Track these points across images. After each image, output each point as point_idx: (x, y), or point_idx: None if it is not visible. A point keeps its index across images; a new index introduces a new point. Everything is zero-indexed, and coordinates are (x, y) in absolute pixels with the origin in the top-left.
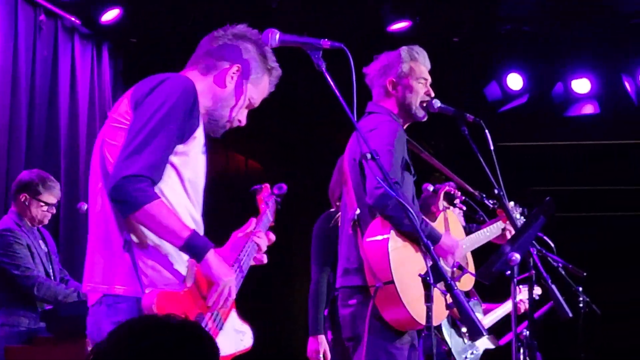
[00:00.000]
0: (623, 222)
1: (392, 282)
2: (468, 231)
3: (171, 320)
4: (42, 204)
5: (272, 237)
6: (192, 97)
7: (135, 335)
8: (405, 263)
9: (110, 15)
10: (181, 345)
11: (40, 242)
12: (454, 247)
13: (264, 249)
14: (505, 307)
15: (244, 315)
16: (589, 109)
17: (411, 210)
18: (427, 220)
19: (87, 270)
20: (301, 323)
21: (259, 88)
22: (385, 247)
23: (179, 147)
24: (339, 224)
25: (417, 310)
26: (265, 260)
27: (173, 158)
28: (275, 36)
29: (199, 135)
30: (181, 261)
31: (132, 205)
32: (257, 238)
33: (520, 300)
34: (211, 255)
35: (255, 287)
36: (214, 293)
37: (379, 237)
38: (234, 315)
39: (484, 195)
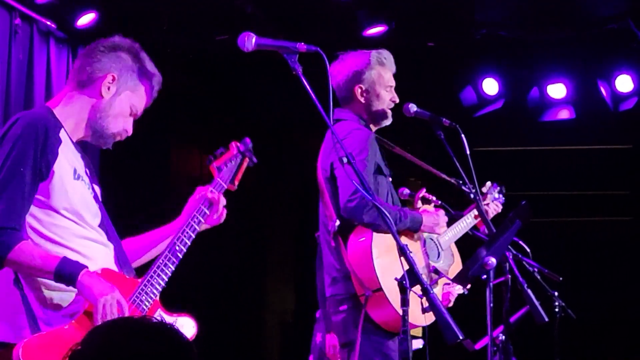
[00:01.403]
0: (599, 227)
1: (381, 289)
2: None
3: (146, 322)
4: None
5: (223, 200)
6: (41, 133)
7: (108, 338)
8: (391, 267)
9: (86, 19)
10: (154, 347)
11: None
12: (437, 218)
13: (220, 206)
14: None
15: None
16: (564, 114)
17: (387, 213)
18: (406, 209)
19: None
20: (273, 329)
21: (139, 95)
22: (370, 256)
23: (41, 185)
24: (320, 234)
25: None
26: (222, 219)
27: (38, 197)
28: (251, 40)
29: (59, 167)
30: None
31: None
32: (208, 195)
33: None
34: (84, 278)
35: (227, 288)
36: (96, 315)
37: (362, 247)
38: (159, 315)
39: (461, 182)
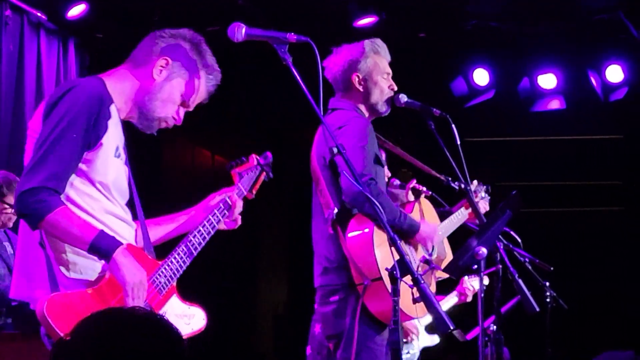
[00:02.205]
0: (590, 217)
1: (380, 278)
2: (441, 216)
3: (135, 312)
4: (7, 206)
5: (241, 206)
6: (96, 103)
7: (97, 329)
8: (391, 257)
9: (77, 10)
10: (143, 337)
11: (6, 243)
12: (433, 233)
13: (237, 211)
14: (450, 301)
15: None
16: (555, 104)
17: (376, 202)
18: (405, 212)
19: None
20: (266, 321)
21: (192, 85)
22: (371, 244)
23: (87, 155)
24: (312, 224)
25: (404, 302)
26: (237, 224)
27: (82, 165)
28: (241, 30)
29: (108, 141)
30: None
31: (35, 218)
32: (231, 197)
33: (466, 288)
34: (119, 255)
35: (219, 280)
36: (126, 298)
37: (362, 234)
38: (174, 300)
39: (450, 179)
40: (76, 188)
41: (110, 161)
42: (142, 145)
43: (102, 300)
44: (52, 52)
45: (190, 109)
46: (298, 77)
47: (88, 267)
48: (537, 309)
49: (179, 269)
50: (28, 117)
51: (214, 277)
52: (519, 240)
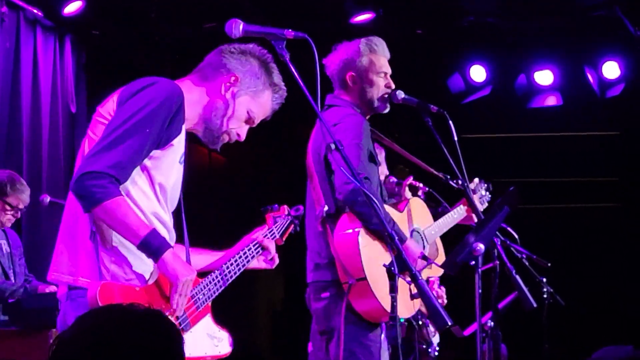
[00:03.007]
0: (587, 213)
1: (365, 278)
2: (435, 215)
3: (135, 308)
4: (7, 206)
5: (274, 247)
6: (175, 104)
7: (97, 325)
8: (376, 257)
9: (73, 7)
10: (142, 333)
11: (2, 242)
12: (415, 254)
13: (273, 251)
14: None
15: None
16: (551, 100)
17: (374, 199)
18: (394, 220)
19: (54, 259)
20: (263, 318)
21: (259, 102)
22: (356, 244)
23: (155, 152)
24: (306, 219)
25: (389, 302)
26: (275, 262)
27: (147, 161)
28: (239, 26)
29: (178, 143)
30: (147, 260)
31: (91, 201)
32: (264, 240)
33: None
34: (168, 255)
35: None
36: (174, 293)
37: (349, 234)
38: (208, 320)
39: (449, 177)
40: (134, 182)
41: (175, 165)
42: None
43: (149, 300)
44: (49, 49)
45: (254, 126)
46: (295, 74)
47: (130, 264)
48: (535, 305)
49: (216, 291)
50: (24, 114)
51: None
52: (516, 236)
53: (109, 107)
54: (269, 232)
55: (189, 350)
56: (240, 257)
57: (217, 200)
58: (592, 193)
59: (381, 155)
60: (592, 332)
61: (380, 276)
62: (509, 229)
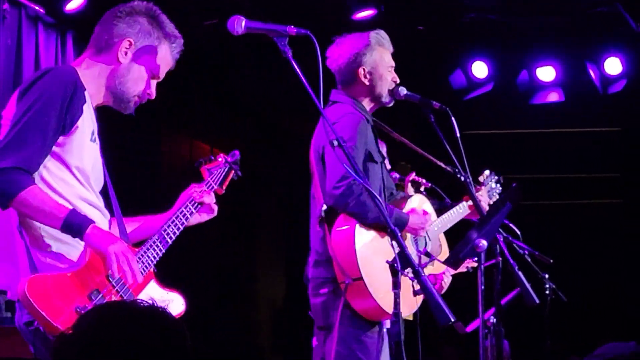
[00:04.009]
0: (589, 209)
1: (361, 278)
2: (440, 210)
3: (137, 305)
4: None
5: (213, 197)
6: (70, 88)
7: (99, 322)
8: (374, 256)
9: (75, 3)
10: (145, 330)
11: None
12: (424, 222)
13: (211, 202)
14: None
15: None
16: (553, 96)
17: (377, 196)
18: (392, 205)
19: None
20: (264, 315)
21: (159, 58)
22: (352, 245)
23: (61, 139)
24: (310, 216)
25: (386, 301)
26: (214, 213)
27: (56, 149)
28: (241, 23)
29: (83, 124)
30: (76, 244)
31: (6, 196)
32: (199, 195)
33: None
34: (92, 230)
35: (218, 274)
36: (110, 264)
37: (345, 233)
38: (152, 286)
39: (457, 170)
40: (51, 172)
41: (86, 145)
42: (140, 139)
43: (82, 283)
44: (50, 46)
45: (160, 79)
46: (298, 70)
47: (63, 250)
48: (537, 301)
49: (156, 256)
50: None
51: (213, 272)
52: (519, 232)
53: (10, 107)
54: (206, 185)
55: None
56: (177, 217)
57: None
58: (594, 189)
59: (383, 150)
60: (595, 328)
61: (377, 275)
62: (511, 225)
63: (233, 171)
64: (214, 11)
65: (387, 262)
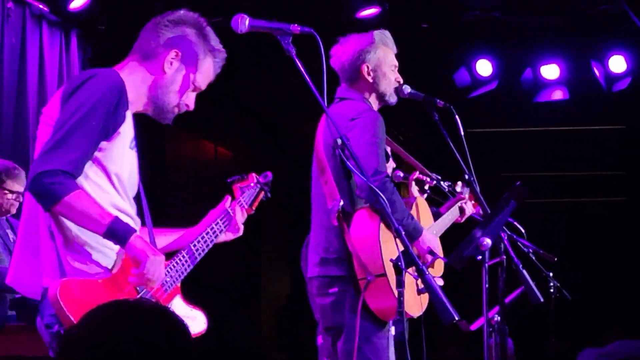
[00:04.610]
0: (593, 207)
1: (384, 274)
2: (436, 214)
3: (142, 304)
4: (7, 192)
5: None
6: (116, 94)
7: (105, 320)
8: (393, 254)
9: (79, 2)
10: (149, 329)
11: (9, 231)
12: (430, 244)
13: (239, 221)
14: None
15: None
16: (558, 94)
17: (383, 197)
18: (412, 215)
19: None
20: (268, 313)
21: (202, 71)
22: (377, 241)
23: (103, 144)
24: (312, 212)
25: (406, 299)
26: (240, 231)
27: (97, 154)
28: (244, 21)
29: (125, 131)
30: (109, 251)
31: (52, 198)
32: (232, 206)
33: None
34: (134, 239)
35: (222, 272)
36: (140, 272)
37: (370, 230)
38: (178, 301)
39: (440, 178)
40: (88, 177)
41: (126, 152)
42: (145, 138)
43: (111, 291)
44: (55, 45)
45: (201, 91)
46: (302, 69)
47: (93, 259)
48: (541, 300)
49: (184, 272)
50: (31, 109)
51: (217, 270)
52: (523, 230)
53: (52, 107)
54: (238, 204)
55: None
56: (207, 233)
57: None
58: (598, 187)
59: (387, 148)
60: (599, 326)
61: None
62: (515, 223)
63: (263, 192)
64: (218, 9)
65: (391, 260)
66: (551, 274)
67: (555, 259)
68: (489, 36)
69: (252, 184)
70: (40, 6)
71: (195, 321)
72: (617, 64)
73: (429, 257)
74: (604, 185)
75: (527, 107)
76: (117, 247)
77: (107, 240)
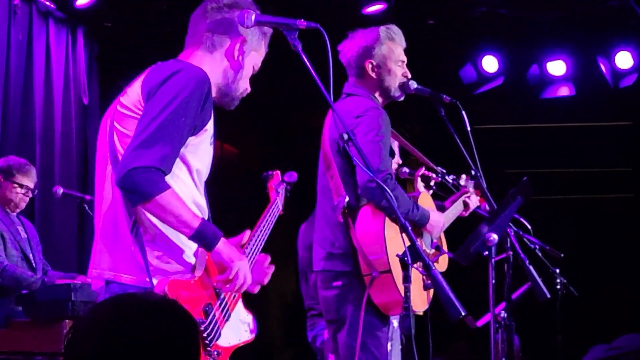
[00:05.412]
0: (600, 203)
1: (389, 271)
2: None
3: (148, 297)
4: (17, 185)
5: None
6: (205, 89)
7: (112, 314)
8: (399, 250)
9: None
10: (157, 322)
11: (19, 228)
12: (441, 222)
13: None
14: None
15: None
16: (564, 90)
17: (389, 192)
18: (416, 203)
19: (94, 257)
20: (275, 310)
21: (260, 54)
22: (382, 237)
23: (191, 139)
24: (317, 207)
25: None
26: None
27: (184, 150)
28: (251, 16)
29: (210, 127)
30: (189, 251)
31: (143, 196)
32: (274, 213)
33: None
34: (222, 244)
35: None
36: (226, 276)
37: (374, 226)
38: (240, 305)
39: (445, 171)
40: (174, 174)
41: (208, 149)
42: None
43: (200, 294)
44: (61, 41)
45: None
46: (308, 64)
47: (172, 258)
48: (548, 296)
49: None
50: (37, 106)
51: None
52: (530, 227)
53: (133, 98)
54: (276, 210)
55: (229, 340)
56: (263, 230)
57: (228, 191)
58: (605, 183)
59: (394, 145)
60: (605, 322)
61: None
62: (522, 219)
63: (286, 191)
64: None
65: (398, 255)
66: (558, 270)
67: (562, 255)
68: (495, 32)
69: (279, 184)
70: (47, 3)
71: (249, 327)
72: (624, 60)
73: (435, 253)
74: (610, 181)
75: (534, 103)
76: (195, 247)
77: (194, 241)
